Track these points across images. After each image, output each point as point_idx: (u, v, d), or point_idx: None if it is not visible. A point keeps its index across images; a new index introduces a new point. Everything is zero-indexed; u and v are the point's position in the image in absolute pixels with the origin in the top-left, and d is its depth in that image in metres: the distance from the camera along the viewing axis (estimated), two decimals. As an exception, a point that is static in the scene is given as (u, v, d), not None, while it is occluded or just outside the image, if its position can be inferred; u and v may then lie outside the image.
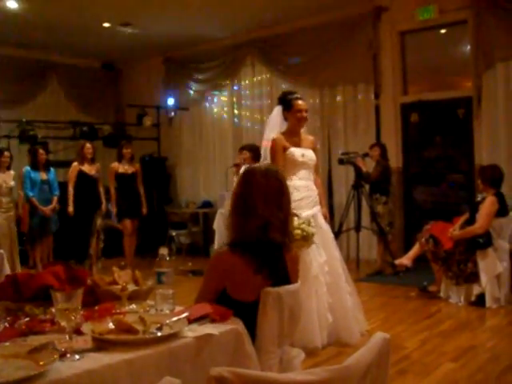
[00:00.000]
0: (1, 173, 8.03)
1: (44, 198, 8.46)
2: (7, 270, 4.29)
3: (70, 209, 8.39)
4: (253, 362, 2.34)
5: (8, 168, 8.18)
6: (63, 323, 2.02)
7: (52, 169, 8.78)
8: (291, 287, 2.70)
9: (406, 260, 6.64)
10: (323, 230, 5.16)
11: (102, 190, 8.76)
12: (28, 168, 8.47)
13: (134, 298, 2.72)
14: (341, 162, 8.13)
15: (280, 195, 2.77)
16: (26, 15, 8.65)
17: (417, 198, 8.82)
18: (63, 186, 8.70)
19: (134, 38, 10.01)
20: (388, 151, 8.14)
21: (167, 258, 2.62)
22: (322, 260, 5.00)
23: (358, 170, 7.90)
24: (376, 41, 8.66)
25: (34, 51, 10.60)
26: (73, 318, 2.00)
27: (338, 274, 5.10)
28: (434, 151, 8.69)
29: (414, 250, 6.62)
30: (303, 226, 4.58)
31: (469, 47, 7.97)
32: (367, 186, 8.03)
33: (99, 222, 8.73)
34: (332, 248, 5.18)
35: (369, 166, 8.03)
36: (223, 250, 2.71)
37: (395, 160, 8.53)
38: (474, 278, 6.11)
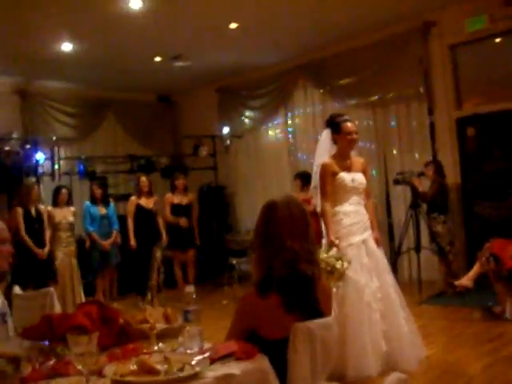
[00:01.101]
0: (60, 209, 8.25)
1: (104, 232, 8.64)
2: (58, 308, 4.35)
3: (132, 242, 8.54)
4: (279, 401, 2.28)
5: (67, 204, 8.40)
6: (79, 367, 2.02)
7: (111, 203, 8.96)
8: (323, 321, 2.63)
9: (466, 281, 6.40)
10: (375, 255, 5.05)
11: (161, 221, 8.87)
12: (88, 203, 8.71)
13: (165, 336, 2.71)
14: (396, 182, 7.99)
15: (305, 225, 2.71)
16: (80, 55, 8.91)
17: (479, 213, 8.52)
18: (124, 219, 8.86)
19: (186, 69, 10.16)
20: (445, 167, 7.96)
21: (194, 296, 2.59)
22: (375, 286, 4.89)
23: (414, 189, 7.73)
24: (426, 56, 8.49)
25: (90, 88, 10.90)
26: (88, 361, 2.00)
27: (391, 299, 4.95)
28: (493, 164, 8.39)
29: (475, 270, 6.38)
30: (330, 260, 4.52)
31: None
32: (425, 206, 7.83)
33: (159, 254, 8.83)
34: (385, 273, 5.05)
35: (425, 184, 7.84)
36: (251, 292, 2.65)
37: (453, 176, 8.31)
38: (540, 298, 5.84)
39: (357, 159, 5.32)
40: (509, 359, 4.94)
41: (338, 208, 5.04)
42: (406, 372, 4.52)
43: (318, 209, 5.16)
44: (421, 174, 7.88)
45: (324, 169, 5.08)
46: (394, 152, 9.09)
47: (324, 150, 5.31)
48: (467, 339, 5.66)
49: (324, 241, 5.07)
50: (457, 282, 6.65)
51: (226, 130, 11.22)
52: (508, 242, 6.28)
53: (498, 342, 5.46)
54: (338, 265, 4.53)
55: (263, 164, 11.07)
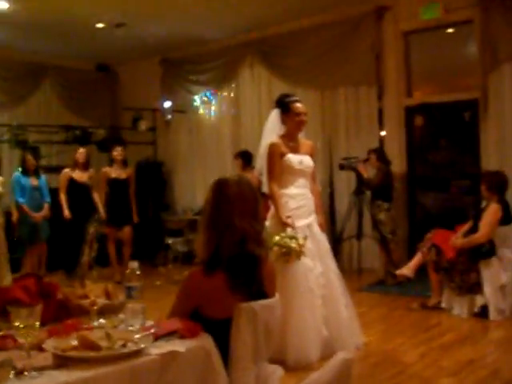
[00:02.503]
0: (-14, 179, 8.09)
1: (34, 204, 8.50)
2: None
3: (66, 212, 8.55)
4: (222, 380, 2.35)
5: (-6, 174, 8.24)
6: (21, 340, 2.04)
7: (43, 175, 8.83)
8: (267, 302, 2.72)
9: (406, 270, 6.61)
10: (319, 240, 5.16)
11: (96, 196, 8.86)
12: (18, 174, 8.54)
13: (105, 312, 2.74)
14: (341, 167, 8.17)
15: (255, 205, 2.79)
16: (17, 16, 8.69)
17: (423, 203, 8.81)
18: (56, 192, 8.78)
19: (129, 38, 10.04)
20: (391, 155, 8.18)
21: (137, 272, 2.63)
22: (318, 272, 5.01)
23: (358, 175, 7.92)
24: (379, 41, 8.67)
25: (25, 53, 10.64)
26: (31, 334, 2.03)
27: (333, 286, 5.10)
28: (439, 155, 8.68)
29: (415, 260, 6.59)
30: (284, 241, 4.62)
31: (475, 47, 7.94)
32: (369, 193, 8.04)
33: (92, 230, 8.78)
34: (328, 259, 5.18)
35: (371, 171, 8.03)
36: (197, 270, 2.71)
37: (399, 164, 8.53)
38: (477, 288, 6.08)
39: (305, 141, 5.40)
40: (443, 348, 5.17)
41: (284, 190, 5.12)
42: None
43: (265, 189, 5.23)
44: (366, 160, 8.07)
45: (272, 149, 5.13)
46: (341, 137, 9.24)
47: (272, 130, 5.36)
48: (405, 328, 5.88)
49: (267, 223, 5.15)
50: (397, 272, 6.88)
51: (167, 104, 11.17)
52: (449, 233, 6.53)
53: (433, 332, 5.71)
54: (294, 244, 4.64)
55: (204, 142, 11.06)
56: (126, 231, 8.94)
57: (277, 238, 4.70)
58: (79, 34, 9.80)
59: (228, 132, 10.73)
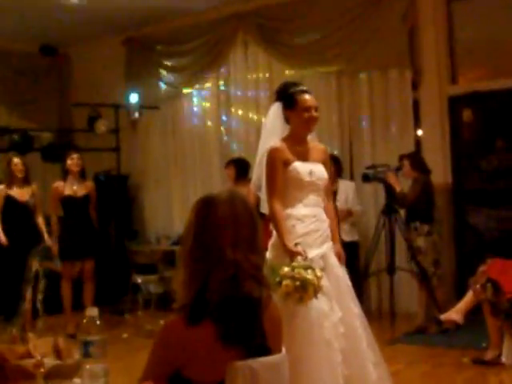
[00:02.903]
0: None
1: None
2: None
3: (2, 238, 8.53)
4: None
5: None
6: None
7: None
8: (270, 359, 2.70)
9: (455, 314, 6.60)
10: (337, 276, 5.13)
11: (41, 220, 8.87)
12: None
13: (55, 376, 2.74)
14: (366, 178, 8.16)
15: (253, 230, 2.76)
16: None
17: (474, 224, 8.79)
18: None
19: (84, 11, 10.05)
20: (431, 162, 8.16)
21: (97, 322, 2.62)
22: (336, 318, 4.97)
23: (389, 189, 7.91)
24: (413, 11, 8.72)
25: None
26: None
27: (357, 336, 5.06)
28: (495, 160, 8.68)
29: (466, 301, 6.58)
30: (298, 271, 4.59)
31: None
32: (403, 211, 8.06)
33: (36, 264, 8.77)
34: (348, 300, 5.15)
35: (405, 183, 8.04)
36: (176, 319, 2.68)
37: (442, 174, 8.57)
38: (549, 336, 6.10)
39: (316, 145, 5.40)
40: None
41: (290, 210, 5.10)
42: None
43: (265, 209, 5.22)
44: (398, 169, 8.08)
45: (273, 155, 5.11)
46: (364, 138, 9.28)
47: (272, 130, 5.36)
48: (455, 390, 5.88)
49: (268, 254, 5.14)
50: (443, 316, 6.86)
51: (134, 97, 11.17)
52: (510, 263, 6.52)
53: (493, 396, 5.72)
54: (310, 275, 4.59)
55: (184, 147, 11.12)
56: (88, 266, 8.87)
57: (286, 269, 4.66)
58: (18, 5, 9.81)
59: (215, 134, 10.78)
